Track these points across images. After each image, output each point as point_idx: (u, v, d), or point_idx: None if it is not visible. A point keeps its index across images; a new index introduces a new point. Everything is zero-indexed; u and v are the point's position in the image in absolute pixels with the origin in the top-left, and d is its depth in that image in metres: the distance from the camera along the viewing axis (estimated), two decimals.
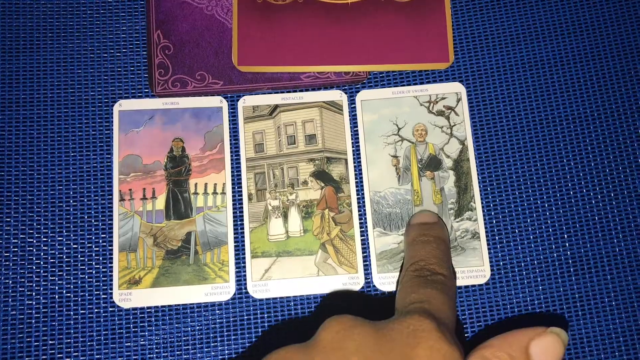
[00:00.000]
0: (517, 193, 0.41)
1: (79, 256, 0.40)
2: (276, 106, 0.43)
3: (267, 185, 0.41)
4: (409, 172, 0.41)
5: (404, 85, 0.43)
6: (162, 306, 0.39)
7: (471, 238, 0.40)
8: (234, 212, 0.41)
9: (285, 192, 0.41)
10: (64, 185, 0.41)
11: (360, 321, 0.27)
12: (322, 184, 0.42)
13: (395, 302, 0.34)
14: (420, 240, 0.36)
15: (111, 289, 0.39)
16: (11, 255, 0.39)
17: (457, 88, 0.43)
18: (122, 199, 0.40)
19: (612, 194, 0.41)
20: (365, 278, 0.40)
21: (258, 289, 0.40)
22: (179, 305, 0.39)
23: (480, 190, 0.41)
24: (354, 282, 0.40)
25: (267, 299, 0.40)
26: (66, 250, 0.40)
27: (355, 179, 0.42)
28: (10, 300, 0.39)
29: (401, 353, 0.26)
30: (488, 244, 0.40)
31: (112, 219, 0.40)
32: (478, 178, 0.41)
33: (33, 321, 0.39)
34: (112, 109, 0.42)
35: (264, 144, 0.42)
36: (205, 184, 0.41)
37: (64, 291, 0.39)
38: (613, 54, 0.43)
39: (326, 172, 0.42)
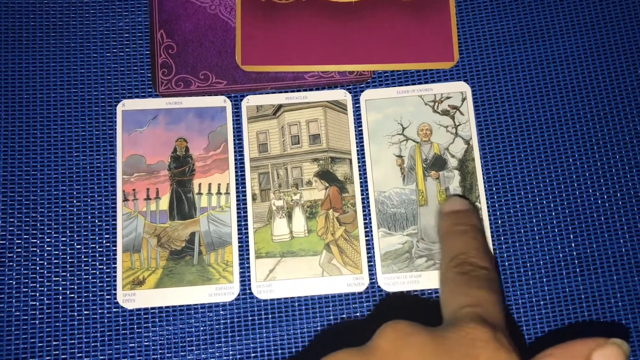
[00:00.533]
0: (522, 193, 0.41)
1: (83, 257, 0.40)
2: (280, 106, 0.42)
3: (271, 185, 0.41)
4: (413, 172, 0.41)
5: (408, 85, 0.43)
6: (166, 307, 0.39)
7: None
8: (237, 213, 0.41)
9: (289, 192, 0.41)
10: (67, 186, 0.41)
11: (416, 328, 0.27)
12: (327, 184, 0.41)
13: (440, 301, 0.33)
14: (456, 231, 0.36)
15: (115, 289, 0.39)
16: (15, 256, 0.39)
17: (462, 87, 0.42)
18: (125, 199, 0.40)
19: (619, 194, 0.41)
20: (370, 278, 0.40)
21: (262, 290, 0.39)
22: (183, 305, 0.39)
23: (485, 190, 0.41)
24: (359, 282, 0.40)
25: (271, 300, 0.40)
26: (70, 251, 0.40)
27: (360, 179, 0.41)
28: (14, 300, 0.39)
29: None
30: (493, 244, 0.40)
31: (115, 220, 0.40)
32: (483, 178, 0.41)
33: (37, 321, 0.39)
34: (115, 109, 0.42)
35: (268, 143, 0.42)
36: (209, 184, 0.41)
37: (68, 292, 0.39)
38: (619, 53, 0.43)
39: (330, 172, 0.41)
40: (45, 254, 0.40)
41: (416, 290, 0.40)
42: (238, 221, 0.41)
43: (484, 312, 0.29)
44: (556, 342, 0.29)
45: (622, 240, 0.40)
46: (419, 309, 0.39)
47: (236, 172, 0.41)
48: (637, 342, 0.39)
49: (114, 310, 0.39)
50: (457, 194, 0.40)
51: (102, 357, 0.38)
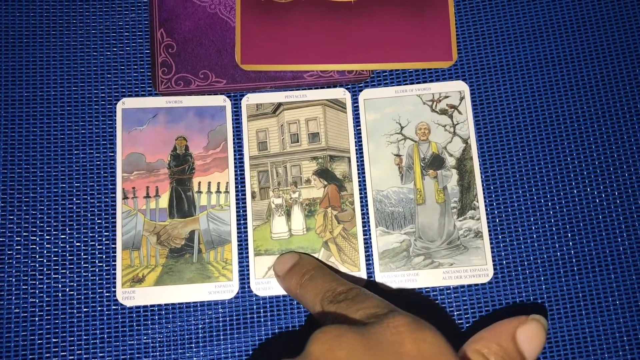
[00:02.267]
0: (520, 192, 0.41)
1: (82, 254, 0.40)
2: (280, 104, 0.42)
3: (270, 183, 0.41)
4: (411, 170, 0.41)
5: (407, 84, 0.43)
6: (166, 304, 0.39)
7: (474, 237, 0.40)
8: (237, 211, 0.41)
9: (288, 190, 0.41)
10: (67, 183, 0.41)
11: (344, 329, 0.27)
12: (325, 182, 0.41)
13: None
14: (306, 282, 0.36)
15: (115, 287, 0.39)
16: (14, 253, 0.40)
17: (460, 86, 0.42)
18: (125, 197, 0.40)
19: (616, 193, 0.41)
20: (368, 277, 0.40)
21: (261, 287, 0.40)
22: (182, 303, 0.39)
23: (483, 189, 0.41)
24: (357, 280, 0.40)
25: (269, 297, 0.40)
26: (69, 248, 0.40)
27: (358, 177, 0.41)
28: (13, 297, 0.39)
29: (392, 352, 0.26)
30: (491, 243, 0.40)
31: (115, 217, 0.40)
32: (481, 177, 0.41)
33: (36, 319, 0.39)
34: (115, 107, 0.42)
35: (268, 142, 0.42)
36: (209, 183, 0.41)
37: (67, 289, 0.39)
38: (617, 52, 0.43)
39: (329, 170, 0.42)
40: (45, 252, 0.40)
41: (413, 289, 0.40)
42: (237, 219, 0.41)
43: (389, 308, 0.30)
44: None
45: (619, 239, 0.41)
46: (416, 307, 0.39)
47: (235, 170, 0.41)
48: (634, 340, 0.39)
49: (114, 307, 0.39)
50: (283, 254, 0.40)
51: (101, 354, 0.38)
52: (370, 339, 0.27)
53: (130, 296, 0.39)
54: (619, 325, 0.39)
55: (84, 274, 0.39)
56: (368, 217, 0.41)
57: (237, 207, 0.41)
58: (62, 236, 0.40)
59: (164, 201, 0.41)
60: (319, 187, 0.41)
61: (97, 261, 0.40)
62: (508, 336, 0.30)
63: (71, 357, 0.38)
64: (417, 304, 0.40)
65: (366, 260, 0.40)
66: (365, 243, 0.41)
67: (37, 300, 0.39)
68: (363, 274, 0.40)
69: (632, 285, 0.40)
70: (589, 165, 0.42)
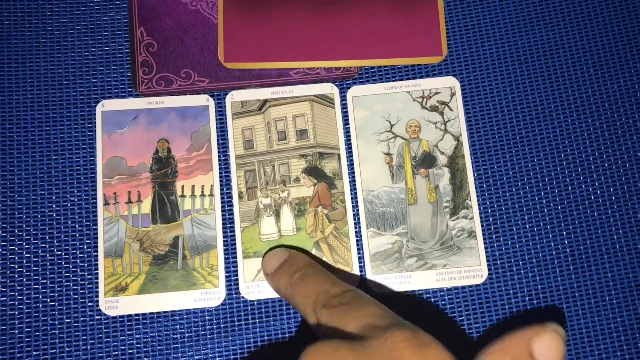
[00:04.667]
0: (513, 190, 0.41)
1: (63, 263, 0.39)
2: (265, 101, 0.42)
3: (257, 183, 0.41)
4: (402, 170, 0.41)
5: (396, 81, 0.42)
6: (150, 313, 0.39)
7: (467, 237, 0.40)
8: (222, 215, 0.40)
9: (276, 189, 0.41)
10: (46, 190, 0.40)
11: (337, 344, 0.27)
12: (315, 181, 0.41)
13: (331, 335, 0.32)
14: (297, 282, 0.35)
15: (97, 296, 0.39)
16: None
17: (450, 82, 0.42)
18: (106, 203, 0.40)
19: (611, 189, 0.41)
20: (361, 276, 0.40)
21: (251, 290, 0.39)
22: (167, 312, 0.39)
23: (476, 188, 0.41)
24: (350, 280, 0.39)
25: (259, 300, 0.39)
26: (49, 257, 0.39)
27: (348, 177, 0.41)
28: None
29: None
30: (485, 243, 0.40)
31: (96, 224, 0.40)
32: (474, 175, 0.41)
33: (16, 331, 0.38)
34: (94, 110, 0.41)
35: (254, 140, 0.41)
36: (193, 186, 0.40)
37: (48, 299, 0.39)
38: (611, 45, 0.43)
39: (319, 168, 0.41)
40: (24, 261, 0.39)
41: (406, 291, 0.39)
42: (223, 223, 0.40)
43: (388, 319, 0.29)
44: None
45: (614, 237, 0.40)
46: (409, 310, 0.39)
47: (220, 172, 0.41)
48: (630, 336, 0.39)
49: (97, 317, 0.39)
50: (271, 250, 0.39)
51: None
52: (365, 354, 0.26)
53: (113, 305, 0.38)
54: (615, 323, 0.39)
55: (65, 283, 0.39)
56: (359, 219, 0.40)
57: (222, 210, 0.40)
58: (42, 244, 0.39)
59: (146, 206, 0.40)
60: (309, 185, 0.41)
61: (78, 270, 0.39)
62: (523, 349, 0.27)
63: None
64: (411, 307, 0.39)
65: (358, 263, 0.40)
66: (356, 245, 0.40)
67: (16, 312, 0.38)
68: (356, 273, 0.39)
69: (628, 283, 0.40)
70: (582, 161, 0.41)
